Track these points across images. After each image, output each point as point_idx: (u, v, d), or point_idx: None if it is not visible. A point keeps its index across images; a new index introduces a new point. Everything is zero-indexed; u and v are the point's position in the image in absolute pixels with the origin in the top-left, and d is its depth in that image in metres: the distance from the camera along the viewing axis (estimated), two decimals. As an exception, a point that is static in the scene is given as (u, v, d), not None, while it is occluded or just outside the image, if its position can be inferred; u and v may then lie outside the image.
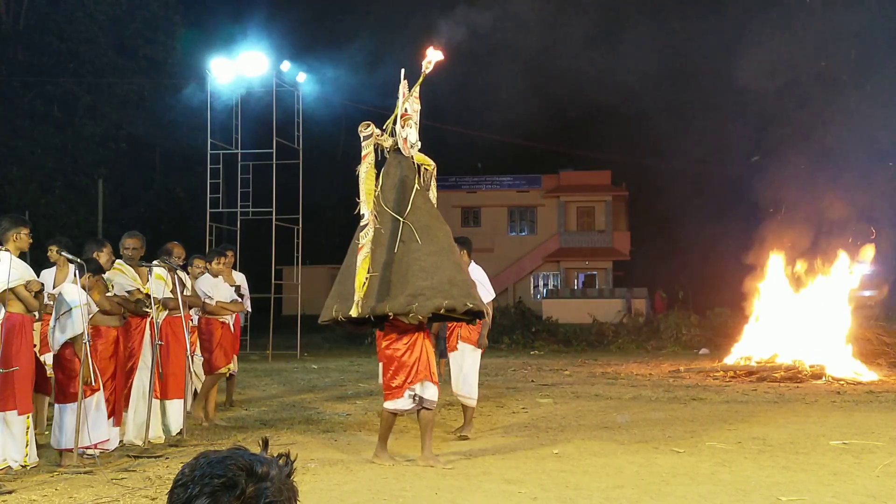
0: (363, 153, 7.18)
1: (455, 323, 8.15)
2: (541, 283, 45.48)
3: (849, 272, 16.72)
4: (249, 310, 12.14)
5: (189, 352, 8.26)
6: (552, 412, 10.33)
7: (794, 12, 21.71)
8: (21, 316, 6.66)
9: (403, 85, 7.32)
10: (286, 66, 20.88)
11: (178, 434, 8.37)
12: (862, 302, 18.18)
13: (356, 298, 6.87)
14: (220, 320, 9.45)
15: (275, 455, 1.56)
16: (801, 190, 18.11)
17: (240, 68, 20.02)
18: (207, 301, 9.29)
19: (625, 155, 43.62)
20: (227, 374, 9.45)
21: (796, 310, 16.32)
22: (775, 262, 17.44)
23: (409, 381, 7.05)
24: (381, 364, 8.14)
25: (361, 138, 7.19)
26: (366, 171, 7.14)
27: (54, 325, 7.06)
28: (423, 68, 7.30)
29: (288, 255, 21.55)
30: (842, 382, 13.50)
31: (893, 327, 17.87)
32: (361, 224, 7.06)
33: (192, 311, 9.04)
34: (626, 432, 8.79)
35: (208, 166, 20.43)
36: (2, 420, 6.57)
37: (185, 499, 1.47)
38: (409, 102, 7.29)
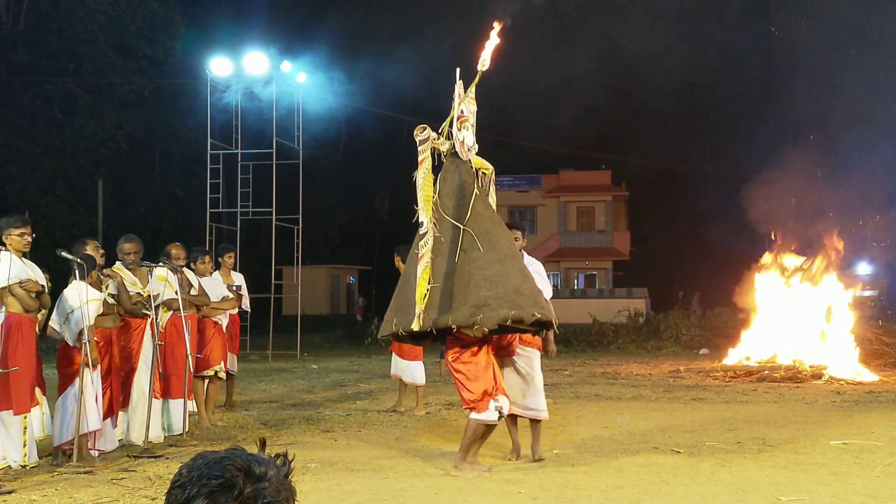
0: (420, 158, 6.82)
1: None
2: (541, 283, 45.49)
3: (849, 273, 16.75)
4: (248, 309, 12.14)
5: (189, 352, 8.23)
6: (552, 412, 10.31)
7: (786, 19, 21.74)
8: (19, 316, 6.65)
9: (459, 85, 6.99)
10: (286, 66, 20.88)
11: (178, 434, 8.37)
12: (862, 302, 18.17)
13: (417, 311, 6.56)
14: (213, 320, 9.42)
15: (272, 455, 1.56)
16: (802, 189, 18.12)
17: (240, 68, 20.02)
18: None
19: (625, 155, 43.67)
20: (214, 374, 9.39)
21: (797, 310, 16.32)
22: (776, 262, 17.45)
23: (486, 391, 6.70)
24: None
25: (417, 142, 6.85)
26: (423, 176, 6.79)
27: (65, 325, 7.07)
28: (479, 66, 6.98)
29: (288, 255, 21.55)
30: (842, 382, 13.50)
31: (893, 327, 17.87)
32: (420, 232, 6.73)
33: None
34: (626, 432, 8.78)
35: (208, 166, 20.43)
36: (-1, 420, 6.58)
37: (184, 500, 1.47)
38: (464, 104, 6.95)
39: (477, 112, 7.09)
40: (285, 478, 1.52)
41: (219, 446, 7.88)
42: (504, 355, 7.43)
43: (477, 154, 7.11)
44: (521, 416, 7.48)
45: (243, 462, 1.49)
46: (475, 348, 6.77)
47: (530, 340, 7.42)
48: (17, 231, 6.68)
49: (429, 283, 6.62)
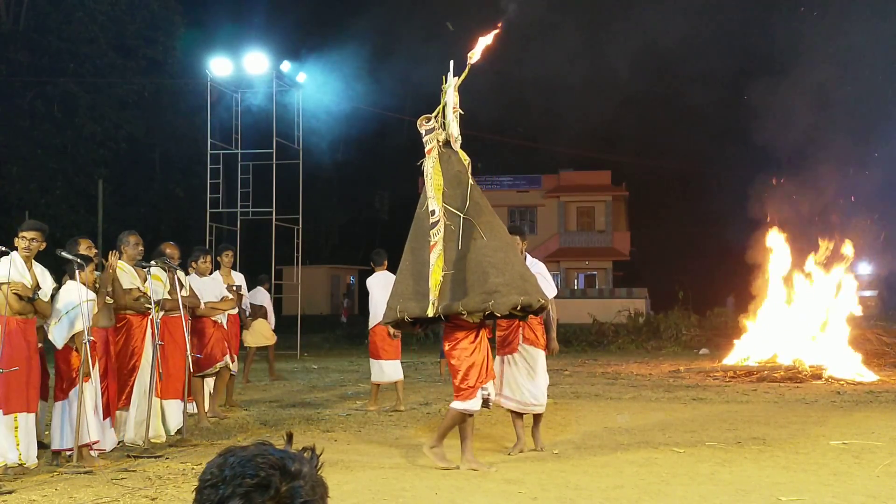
0: (427, 148, 6.96)
1: (518, 322, 7.60)
2: (541, 283, 45.42)
3: (848, 273, 16.75)
4: (249, 309, 12.16)
5: (189, 352, 8.22)
6: (552, 412, 10.32)
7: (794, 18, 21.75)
8: (6, 318, 6.64)
9: (451, 76, 7.13)
10: (286, 66, 20.88)
11: (177, 434, 8.36)
12: (862, 302, 18.17)
13: (432, 298, 6.65)
14: (213, 319, 9.42)
15: (300, 449, 1.52)
16: (801, 190, 18.12)
17: (240, 68, 20.02)
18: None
19: (625, 155, 43.68)
20: (217, 372, 9.39)
21: (796, 310, 16.32)
22: (775, 262, 17.45)
23: (480, 379, 6.87)
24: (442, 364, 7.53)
25: (423, 133, 6.98)
26: (433, 166, 6.92)
27: (54, 326, 7.05)
28: (468, 60, 7.12)
29: (288, 255, 21.55)
30: (842, 382, 13.50)
31: (893, 327, 17.88)
32: (432, 221, 6.80)
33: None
34: (626, 432, 8.79)
35: (208, 166, 20.44)
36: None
37: (217, 500, 1.42)
38: (450, 95, 7.10)
39: (460, 105, 7.19)
40: (316, 472, 1.49)
41: (219, 446, 7.89)
42: (507, 352, 7.70)
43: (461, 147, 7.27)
44: (522, 412, 7.74)
45: (277, 459, 1.45)
46: (472, 336, 6.90)
47: (533, 339, 7.65)
48: (23, 234, 6.78)
49: (443, 271, 6.73)
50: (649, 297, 36.38)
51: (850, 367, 14.32)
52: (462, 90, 7.17)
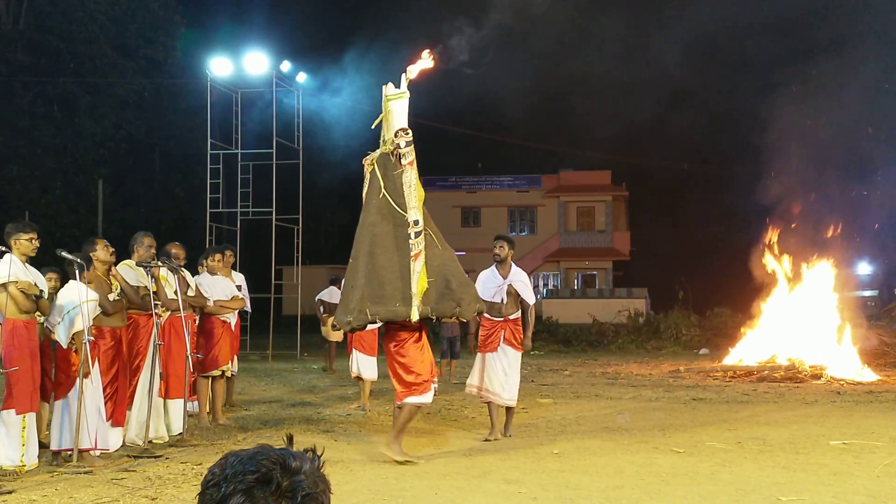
0: (409, 159, 7.26)
1: (500, 324, 8.38)
2: (541, 283, 45.50)
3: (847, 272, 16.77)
4: (249, 310, 12.15)
5: (189, 352, 8.20)
6: (552, 412, 10.33)
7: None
8: (14, 319, 6.66)
9: (403, 84, 7.42)
10: (286, 65, 20.88)
11: (178, 434, 8.35)
12: (862, 302, 18.17)
13: (416, 303, 7.04)
14: (222, 319, 9.41)
15: (302, 450, 1.54)
16: (800, 190, 18.13)
17: (240, 68, 20.02)
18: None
19: (625, 155, 43.66)
20: (220, 374, 9.38)
21: (796, 310, 16.32)
22: (775, 263, 17.45)
23: (432, 374, 7.37)
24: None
25: (403, 144, 7.25)
26: (416, 177, 7.28)
27: (58, 325, 7.06)
28: (407, 74, 7.41)
29: (288, 255, 21.54)
30: (842, 382, 13.50)
31: (893, 327, 17.87)
32: (416, 230, 7.14)
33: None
34: (626, 432, 8.79)
35: (208, 166, 20.42)
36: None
37: (219, 499, 1.43)
38: (400, 109, 7.41)
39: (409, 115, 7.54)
40: (319, 470, 1.51)
41: (219, 446, 7.89)
42: (488, 351, 8.43)
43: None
44: (495, 403, 8.49)
45: (278, 456, 1.46)
46: (417, 335, 7.34)
47: (512, 341, 8.37)
48: (27, 236, 6.84)
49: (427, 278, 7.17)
50: (649, 297, 36.36)
51: (850, 367, 14.33)
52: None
